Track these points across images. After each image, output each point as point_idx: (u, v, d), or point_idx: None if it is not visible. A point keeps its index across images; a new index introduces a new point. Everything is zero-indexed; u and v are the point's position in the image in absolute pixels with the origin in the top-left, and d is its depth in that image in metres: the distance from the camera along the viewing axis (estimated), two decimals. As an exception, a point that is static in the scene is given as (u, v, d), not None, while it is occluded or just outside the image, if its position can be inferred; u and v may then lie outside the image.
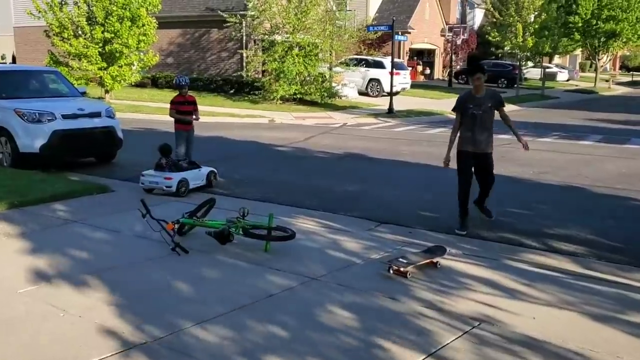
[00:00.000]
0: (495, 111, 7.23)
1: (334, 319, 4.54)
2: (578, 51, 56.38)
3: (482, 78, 6.99)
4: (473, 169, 7.33)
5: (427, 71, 45.69)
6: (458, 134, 7.31)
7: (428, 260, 5.74)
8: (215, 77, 28.31)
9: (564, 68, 54.29)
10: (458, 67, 44.56)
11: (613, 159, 13.18)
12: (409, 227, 7.41)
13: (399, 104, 24.42)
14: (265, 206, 8.27)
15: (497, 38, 35.00)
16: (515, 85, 35.54)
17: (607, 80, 49.47)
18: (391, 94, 23.51)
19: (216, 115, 20.79)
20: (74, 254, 5.91)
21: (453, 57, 42.20)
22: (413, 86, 32.34)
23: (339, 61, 26.80)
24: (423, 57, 46.29)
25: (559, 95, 36.88)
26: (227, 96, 26.24)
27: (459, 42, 43.46)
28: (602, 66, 50.60)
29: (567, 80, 50.77)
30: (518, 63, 36.96)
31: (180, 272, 5.45)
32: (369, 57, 28.20)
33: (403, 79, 29.48)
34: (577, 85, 47.32)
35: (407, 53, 41.80)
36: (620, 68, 72.79)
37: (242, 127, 18.54)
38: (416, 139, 16.45)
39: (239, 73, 26.99)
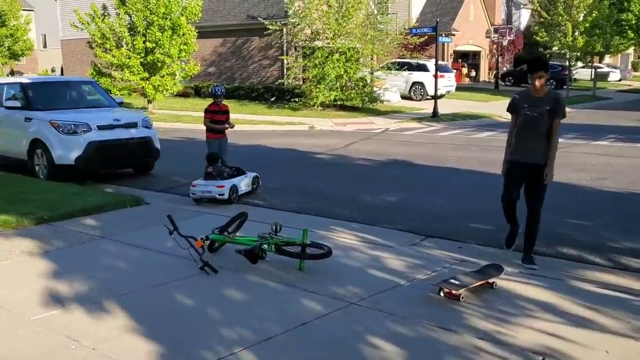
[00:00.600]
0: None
1: (376, 354, 4.01)
2: (630, 50, 54.30)
3: (545, 77, 5.89)
4: (523, 185, 6.15)
5: (473, 73, 44.60)
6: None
7: (483, 281, 5.17)
8: (257, 85, 28.12)
9: (615, 68, 52.36)
10: (504, 69, 43.38)
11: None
12: (458, 242, 6.82)
13: (444, 107, 23.67)
14: (300, 218, 7.81)
15: (545, 38, 33.71)
16: (565, 87, 34.25)
17: (662, 79, 47.55)
18: (435, 97, 22.80)
19: (256, 123, 20.51)
20: (97, 275, 5.55)
21: (499, 58, 41.03)
22: (458, 89, 31.47)
23: (380, 65, 26.22)
24: (468, 59, 45.22)
25: (611, 96, 35.40)
26: (268, 104, 25.99)
27: (505, 43, 42.26)
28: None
29: (619, 80, 48.89)
30: (567, 64, 35.50)
31: (208, 295, 5.02)
32: (412, 60, 27.46)
33: (448, 81, 28.66)
34: (630, 85, 45.53)
35: (451, 55, 40.85)
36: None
37: (281, 134, 18.18)
38: (463, 143, 15.74)
39: (279, 81, 26.72)
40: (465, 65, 44.41)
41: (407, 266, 5.79)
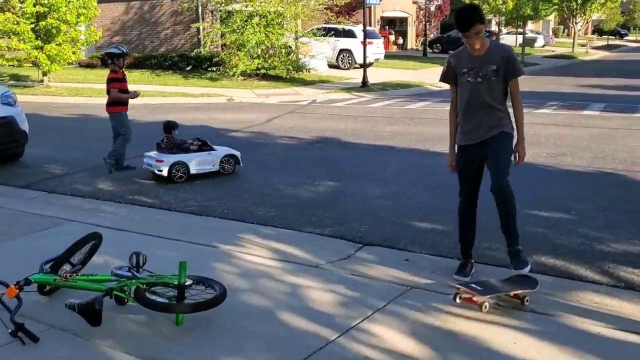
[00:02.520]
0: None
1: None
2: (551, 17, 54.49)
3: (482, 30, 4.19)
4: (477, 171, 4.54)
5: (400, 41, 43.33)
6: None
7: (513, 292, 3.90)
8: (171, 53, 25.56)
9: (538, 34, 52.49)
10: (432, 35, 42.29)
11: (632, 132, 11.05)
12: (404, 251, 5.16)
13: (373, 76, 22.07)
14: (198, 223, 5.93)
15: (474, 2, 32.62)
16: (495, 53, 33.40)
17: (583, 45, 47.94)
18: (364, 66, 21.12)
19: (166, 95, 18.21)
20: None
21: (427, 25, 39.79)
22: (386, 57, 29.94)
23: (306, 31, 24.24)
24: (395, 26, 43.88)
25: (539, 62, 34.94)
26: (184, 74, 23.59)
27: (432, 8, 41.08)
28: (579, 30, 48.97)
29: (543, 46, 49.06)
30: (497, 29, 34.71)
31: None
32: (339, 26, 25.61)
33: (376, 49, 27.04)
34: (553, 51, 45.61)
35: (378, 22, 39.34)
36: (593, 33, 71.26)
37: (194, 108, 15.99)
38: (397, 116, 14.14)
39: (196, 50, 24.31)
40: (393, 32, 43.07)
41: (337, 304, 4.02)
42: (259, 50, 21.49)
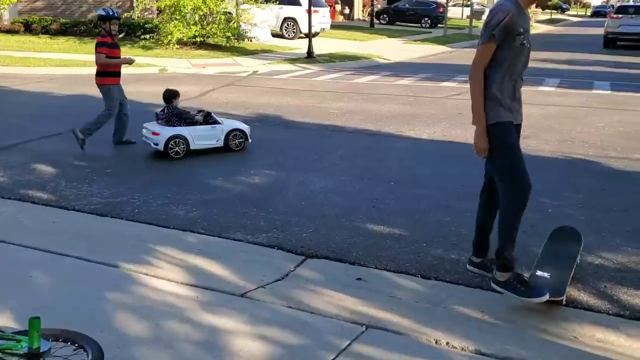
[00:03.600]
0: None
1: None
2: (497, -12, 54.37)
3: None
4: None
5: (347, 11, 42.04)
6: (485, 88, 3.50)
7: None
8: (100, 19, 23.56)
9: (484, 6, 52.23)
10: (379, 6, 41.19)
11: (594, 110, 10.35)
12: (357, 265, 4.16)
13: (319, 47, 20.85)
14: (101, 226, 4.72)
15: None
16: (442, 25, 32.74)
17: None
18: (310, 35, 19.86)
19: (89, 65, 16.48)
20: None
21: (374, -6, 38.63)
22: (333, 27, 28.68)
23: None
24: (341, -5, 42.52)
25: (487, 35, 34.37)
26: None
27: (380, -23, 39.88)
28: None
29: (490, 19, 48.66)
30: (446, 0, 33.96)
31: None
32: (283, -7, 24.21)
33: (322, 17, 25.74)
34: (499, 24, 45.34)
35: (324, -10, 37.89)
36: (537, 6, 71.83)
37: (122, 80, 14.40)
38: (345, 90, 13.06)
39: (126, 14, 22.40)
40: (339, 1, 41.72)
41: None
42: (197, 17, 19.92)
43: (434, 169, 6.68)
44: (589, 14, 77.24)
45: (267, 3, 22.35)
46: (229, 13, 20.80)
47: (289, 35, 25.47)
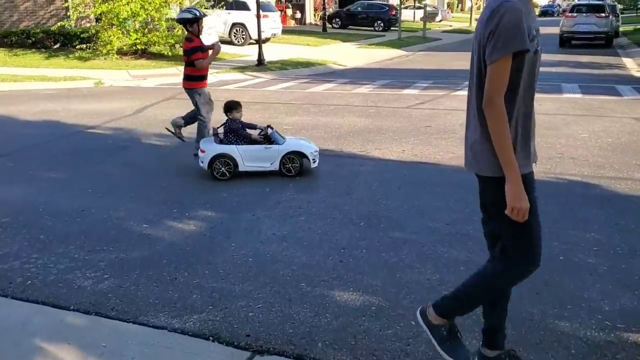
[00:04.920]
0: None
1: None
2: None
3: None
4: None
5: (298, 15, 40.97)
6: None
7: None
8: (34, 29, 21.75)
9: (435, 8, 51.99)
10: (331, 9, 40.24)
11: (573, 119, 9.45)
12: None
13: (271, 53, 19.69)
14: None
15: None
16: (395, 28, 32.03)
17: (477, 20, 47.92)
18: (260, 41, 18.63)
19: (18, 80, 14.89)
20: None
21: (325, -2, 37.69)
22: (284, 32, 27.52)
23: (193, 2, 21.30)
24: (292, -1, 41.47)
25: (440, 37, 33.87)
26: (51, 53, 20.01)
27: (330, -20, 38.97)
28: (476, 4, 49.04)
29: (440, 21, 48.47)
30: (399, 2, 33.26)
31: None
32: (230, -3, 22.92)
33: (273, 22, 24.52)
34: (451, 26, 45.10)
35: (274, -6, 36.71)
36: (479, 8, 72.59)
37: (49, 96, 12.89)
38: (299, 102, 11.88)
39: (59, 23, 20.74)
40: (290, 5, 40.61)
41: None
42: (137, 24, 18.46)
43: (410, 201, 5.55)
44: (537, 13, 78.36)
45: (213, 8, 21.04)
46: (172, 19, 19.39)
47: (238, 42, 24.18)
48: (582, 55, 20.83)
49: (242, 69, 17.62)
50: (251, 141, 6.49)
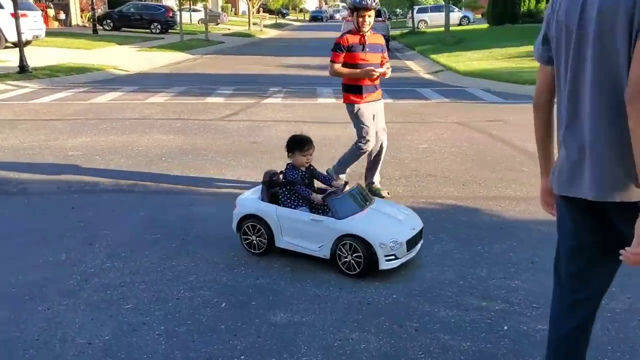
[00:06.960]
0: None
1: None
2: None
3: None
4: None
5: (62, 16, 36.73)
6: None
7: None
8: None
9: (212, 11, 50.91)
10: (100, 10, 36.66)
11: (403, 127, 8.82)
12: None
13: (35, 58, 16.63)
14: None
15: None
16: (174, 31, 30.19)
17: (256, 23, 48.06)
18: (20, 45, 15.51)
19: None
20: None
21: (93, -2, 34.14)
22: (48, 34, 23.96)
23: None
24: (62, -2, 37.02)
25: (223, 40, 32.79)
26: None
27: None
28: (254, 8, 49.02)
29: (218, 24, 47.58)
30: (179, 4, 31.38)
31: None
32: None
33: (34, 23, 20.98)
34: (229, 29, 44.42)
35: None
36: (264, 12, 73.62)
37: None
38: (84, 116, 9.65)
39: None
40: (52, 5, 36.14)
41: None
42: None
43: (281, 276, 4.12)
44: (307, 18, 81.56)
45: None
46: None
47: (-10, 45, 20.29)
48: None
49: (0, 77, 14.45)
50: (312, 204, 4.06)
